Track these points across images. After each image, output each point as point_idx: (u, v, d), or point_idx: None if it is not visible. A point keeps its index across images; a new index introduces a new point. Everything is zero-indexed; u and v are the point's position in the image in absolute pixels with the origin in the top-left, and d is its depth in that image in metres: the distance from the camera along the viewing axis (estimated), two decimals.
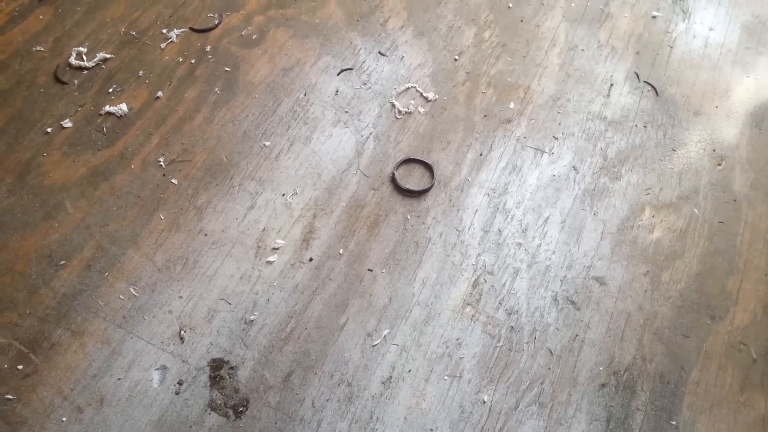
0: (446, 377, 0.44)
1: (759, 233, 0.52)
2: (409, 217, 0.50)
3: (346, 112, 0.56)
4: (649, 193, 0.53)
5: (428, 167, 0.53)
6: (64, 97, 0.55)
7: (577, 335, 0.46)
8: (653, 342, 0.46)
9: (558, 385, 0.44)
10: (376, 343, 0.45)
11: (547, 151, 0.55)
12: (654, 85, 0.59)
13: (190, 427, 0.41)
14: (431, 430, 0.42)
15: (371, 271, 0.48)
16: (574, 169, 0.54)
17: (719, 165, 0.55)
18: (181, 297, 0.46)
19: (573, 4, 0.63)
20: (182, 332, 0.44)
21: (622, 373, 0.45)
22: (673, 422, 0.43)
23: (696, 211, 0.52)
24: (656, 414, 0.43)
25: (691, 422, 0.43)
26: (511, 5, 0.63)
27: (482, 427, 0.42)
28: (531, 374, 0.44)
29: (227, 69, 0.58)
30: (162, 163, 0.52)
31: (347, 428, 0.42)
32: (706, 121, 0.58)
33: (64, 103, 0.55)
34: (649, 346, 0.46)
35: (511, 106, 0.57)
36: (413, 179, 0.53)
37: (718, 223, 0.52)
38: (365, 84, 0.57)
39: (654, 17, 0.64)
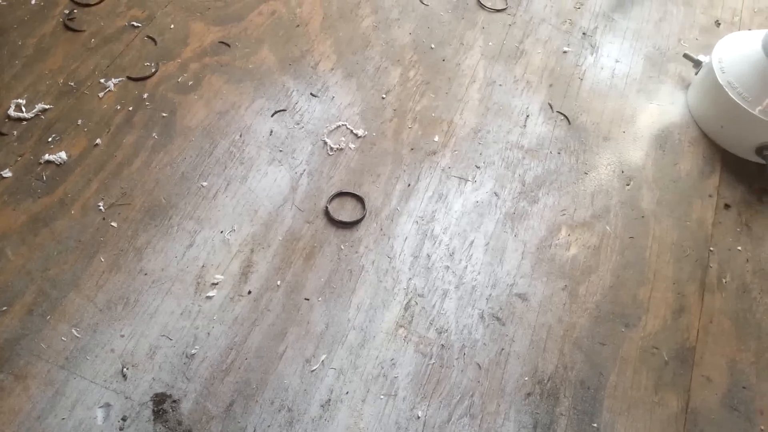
0: (382, 396, 0.47)
1: (666, 246, 0.57)
2: (342, 247, 0.54)
3: (281, 150, 0.60)
4: (564, 214, 0.58)
5: (360, 199, 0.57)
6: (3, 147, 0.57)
7: (503, 349, 0.50)
8: (573, 351, 0.50)
9: (487, 396, 0.48)
10: (314, 368, 0.48)
11: (470, 179, 0.60)
12: (566, 115, 0.65)
13: None
14: None
15: (308, 300, 0.51)
16: (496, 194, 0.59)
17: (627, 185, 0.61)
18: (122, 336, 0.48)
19: (490, 43, 0.69)
20: (125, 370, 0.46)
21: (545, 381, 0.49)
22: (595, 424, 0.47)
23: (608, 228, 0.57)
24: (579, 418, 0.47)
25: (611, 423, 0.47)
26: (433, 46, 0.68)
27: None
28: (462, 388, 0.48)
29: (164, 114, 0.61)
30: (101, 207, 0.54)
31: None
32: (615, 146, 0.64)
33: (4, 153, 0.57)
34: (570, 355, 0.50)
35: (436, 139, 0.62)
36: (346, 211, 0.56)
37: (629, 239, 0.57)
38: (298, 124, 0.61)
39: (565, 52, 0.70)
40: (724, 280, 0.55)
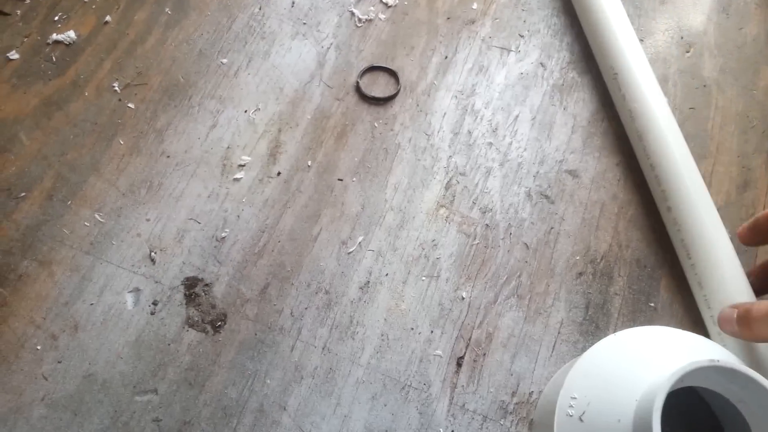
0: (424, 278, 0.41)
1: (730, 116, 0.48)
2: (376, 125, 0.46)
3: (305, 23, 0.50)
4: None
5: (393, 74, 0.48)
6: (7, 28, 0.49)
7: (552, 228, 0.43)
8: (629, 229, 0.43)
9: (535, 276, 0.42)
10: (351, 250, 0.42)
11: (513, 49, 0.50)
12: None
13: (169, 344, 0.38)
14: (411, 328, 0.40)
15: (341, 180, 0.44)
16: (542, 65, 0.50)
17: (687, 52, 0.51)
18: (148, 220, 0.42)
19: None
20: (152, 254, 0.41)
21: (598, 261, 0.42)
22: (651, 304, 0.41)
23: (666, 98, 0.48)
24: (634, 297, 0.41)
25: (669, 303, 0.41)
26: None
27: (462, 322, 0.40)
28: (508, 269, 0.42)
29: None
30: (117, 88, 0.47)
31: (327, 333, 0.39)
32: (673, 9, 0.53)
33: (8, 34, 0.49)
34: (625, 233, 0.43)
35: (475, 6, 0.52)
36: (378, 87, 0.48)
37: (689, 109, 0.48)
38: None
39: None
40: None
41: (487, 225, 0.43)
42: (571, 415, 0.32)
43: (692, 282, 0.40)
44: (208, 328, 0.39)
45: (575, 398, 0.33)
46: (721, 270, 0.38)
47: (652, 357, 0.33)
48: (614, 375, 0.32)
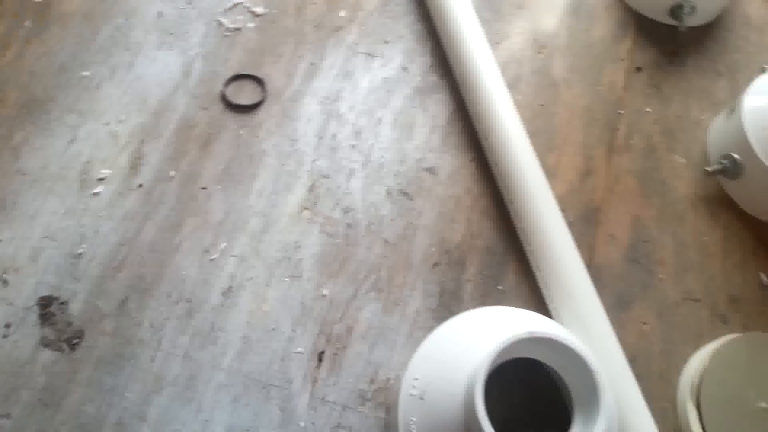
0: (286, 279, 0.42)
1: (576, 111, 0.51)
2: (242, 132, 0.46)
3: (171, 33, 0.50)
4: None
5: (260, 81, 0.49)
6: None
7: (410, 223, 0.45)
8: (481, 220, 0.46)
9: (394, 270, 0.43)
10: (213, 257, 0.42)
11: (378, 55, 0.52)
12: None
13: (22, 367, 0.37)
14: (273, 329, 0.40)
15: (205, 188, 0.44)
16: (405, 69, 0.51)
17: (540, 53, 0.54)
18: (0, 240, 0.40)
19: None
20: (5, 275, 0.39)
21: (453, 251, 0.44)
22: (500, 287, 0.43)
23: (519, 97, 0.51)
24: (485, 282, 0.43)
25: (516, 285, 0.44)
26: None
27: (324, 319, 0.41)
28: (368, 264, 0.43)
29: (38, 0, 0.50)
30: None
31: (188, 341, 0.39)
32: (528, 14, 0.56)
33: None
34: (477, 223, 0.45)
35: (342, 14, 0.53)
36: (245, 95, 0.48)
37: (539, 106, 0.51)
38: (189, 3, 0.51)
39: None
40: (631, 141, 0.51)
41: (348, 224, 0.44)
42: (413, 395, 0.34)
43: (533, 265, 0.43)
44: (64, 346, 0.38)
45: (417, 379, 0.34)
46: (555, 253, 0.41)
47: (487, 335, 0.35)
48: (452, 354, 0.34)
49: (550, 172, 0.48)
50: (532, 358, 0.34)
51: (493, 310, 0.37)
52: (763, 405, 0.41)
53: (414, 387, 0.34)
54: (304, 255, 0.43)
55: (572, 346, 0.32)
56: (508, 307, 0.38)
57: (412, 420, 0.33)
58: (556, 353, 0.34)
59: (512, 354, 0.34)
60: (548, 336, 0.32)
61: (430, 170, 0.47)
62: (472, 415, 0.30)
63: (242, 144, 0.46)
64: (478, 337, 0.35)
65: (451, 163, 0.47)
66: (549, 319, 0.38)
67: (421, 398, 0.33)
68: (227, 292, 0.41)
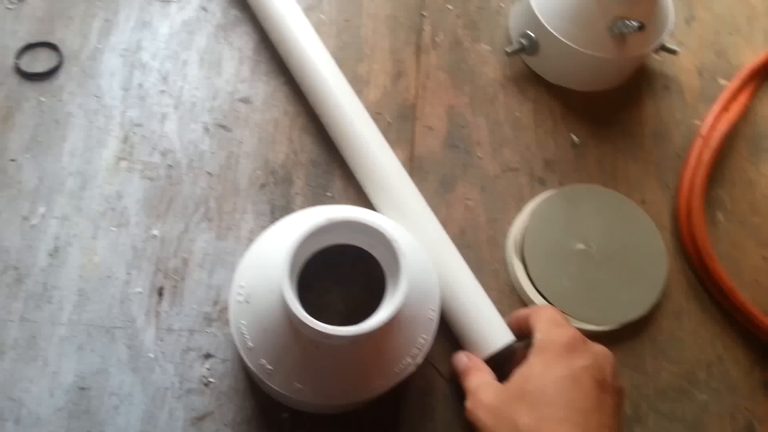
0: (113, 228, 0.47)
1: (380, 20, 0.59)
2: (43, 99, 0.51)
3: None
4: None
5: (53, 47, 0.53)
6: None
7: (232, 152, 0.51)
8: (302, 137, 0.52)
9: (222, 199, 0.49)
10: (34, 222, 0.46)
11: (173, 0, 0.57)
12: None
13: None
14: (108, 276, 0.45)
15: (14, 160, 0.48)
16: (204, 9, 0.57)
17: None
18: None
19: None
20: None
21: (278, 170, 0.51)
22: (329, 194, 0.51)
23: (322, 16, 0.58)
24: (313, 192, 0.50)
25: (344, 189, 0.51)
26: None
27: (158, 257, 0.46)
28: (195, 199, 0.49)
29: None
30: None
31: (22, 305, 0.44)
32: None
33: None
34: (299, 141, 0.52)
35: None
36: (40, 63, 0.52)
37: (344, 21, 0.58)
38: None
39: None
40: (437, 39, 0.59)
41: (169, 165, 0.50)
42: (240, 301, 0.40)
43: (352, 168, 0.50)
44: None
45: (243, 286, 0.41)
46: (367, 152, 0.49)
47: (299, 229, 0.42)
48: (271, 256, 0.41)
49: (363, 81, 0.55)
50: (355, 245, 0.41)
51: (313, 210, 0.44)
52: (581, 246, 0.51)
53: (240, 294, 0.40)
54: (127, 203, 0.48)
55: (367, 222, 0.39)
56: (329, 205, 0.45)
57: (242, 324, 0.39)
58: (366, 236, 0.41)
59: (325, 242, 0.41)
60: (345, 218, 0.39)
61: (244, 100, 0.53)
62: (286, 305, 0.36)
63: (45, 111, 0.50)
64: (292, 233, 0.41)
65: (264, 89, 0.54)
66: (367, 210, 0.46)
67: (247, 302, 0.40)
68: (54, 253, 0.45)
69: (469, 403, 0.42)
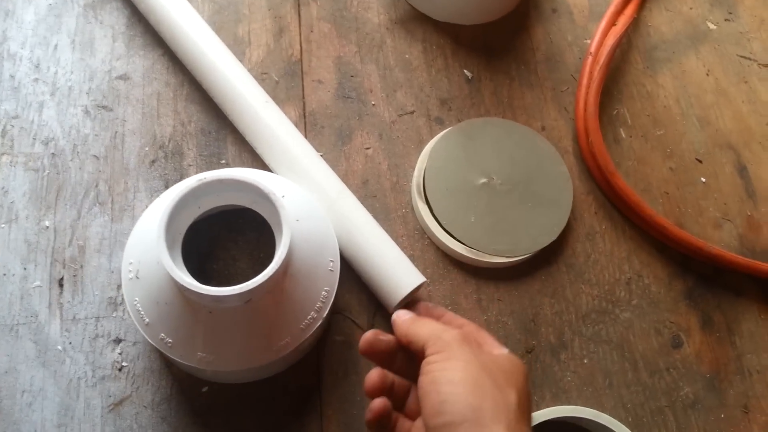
0: (3, 225, 0.46)
1: None
2: None
3: None
4: None
5: None
6: None
7: (116, 132, 0.50)
8: (187, 106, 0.52)
9: (112, 180, 0.48)
10: None
11: None
12: None
13: None
14: (4, 274, 0.45)
15: None
16: None
17: None
18: None
19: None
20: None
21: (167, 144, 0.50)
22: (223, 161, 0.50)
23: None
24: (206, 161, 0.50)
25: (238, 155, 0.50)
26: None
27: (53, 248, 0.46)
28: (84, 184, 0.48)
29: None
30: None
31: None
32: None
33: None
34: (185, 111, 0.51)
35: None
36: None
37: None
38: None
39: None
40: None
41: (53, 154, 0.48)
42: (131, 278, 0.40)
43: (241, 131, 0.49)
44: None
45: (131, 263, 0.40)
46: (250, 112, 0.48)
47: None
48: (150, 229, 0.40)
49: (245, 42, 0.54)
50: (239, 205, 0.41)
51: (194, 177, 0.43)
52: (483, 180, 0.52)
53: (130, 271, 0.40)
54: (14, 197, 0.47)
55: (240, 178, 0.39)
56: (217, 170, 0.45)
57: (136, 300, 0.39)
58: (244, 193, 0.40)
59: (206, 205, 0.41)
60: (217, 177, 0.39)
61: (123, 77, 0.52)
62: (169, 275, 0.36)
63: None
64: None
65: (142, 64, 0.52)
66: (254, 169, 0.45)
67: (137, 278, 0.39)
68: None
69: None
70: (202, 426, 0.44)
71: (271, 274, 0.37)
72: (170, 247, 0.37)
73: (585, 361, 0.48)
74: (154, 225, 0.37)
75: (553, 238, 0.51)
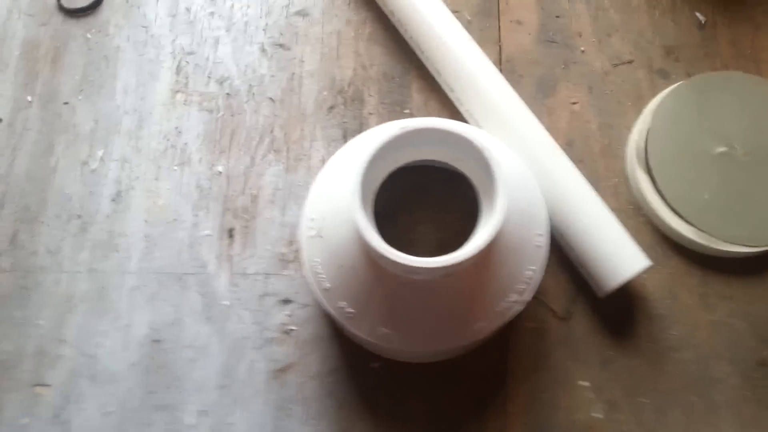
0: (176, 167, 0.43)
1: None
2: (89, 36, 0.46)
3: None
4: None
5: None
6: None
7: (294, 73, 0.45)
8: (369, 48, 0.45)
9: (288, 126, 0.43)
10: (94, 167, 0.43)
11: None
12: None
13: None
14: (175, 219, 0.41)
15: (67, 103, 0.44)
16: None
17: None
18: None
19: None
20: None
21: (347, 89, 0.44)
22: (407, 110, 0.43)
23: None
24: (389, 110, 0.43)
25: (423, 104, 0.43)
26: None
27: (225, 196, 0.42)
28: (259, 129, 0.43)
29: None
30: None
31: (89, 255, 0.41)
32: None
33: None
34: (366, 53, 0.45)
35: None
36: None
37: None
38: None
39: None
40: None
41: (228, 94, 0.44)
42: (312, 237, 0.34)
43: (433, 72, 0.42)
44: None
45: (313, 219, 0.35)
46: (447, 54, 0.40)
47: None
48: (341, 183, 0.34)
49: None
50: (438, 161, 0.34)
51: (386, 125, 0.37)
52: (722, 149, 0.41)
53: (311, 228, 0.35)
54: (188, 139, 0.43)
55: (449, 129, 0.32)
56: (406, 119, 0.38)
57: (316, 261, 0.34)
58: (450, 148, 0.33)
59: (403, 159, 0.34)
60: (422, 126, 0.32)
61: (301, 13, 0.46)
62: (361, 236, 0.30)
63: (93, 48, 0.46)
64: (362, 152, 0.34)
65: None
66: (452, 120, 0.38)
67: (320, 236, 0.34)
68: (117, 198, 0.42)
69: None
70: (369, 407, 0.38)
71: (480, 247, 0.30)
72: (363, 205, 0.31)
73: None
74: (348, 177, 0.31)
75: None
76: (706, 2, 0.47)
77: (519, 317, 0.39)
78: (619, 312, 0.40)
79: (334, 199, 0.34)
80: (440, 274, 0.31)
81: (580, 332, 0.40)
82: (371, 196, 0.33)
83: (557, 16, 0.46)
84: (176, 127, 0.44)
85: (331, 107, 0.44)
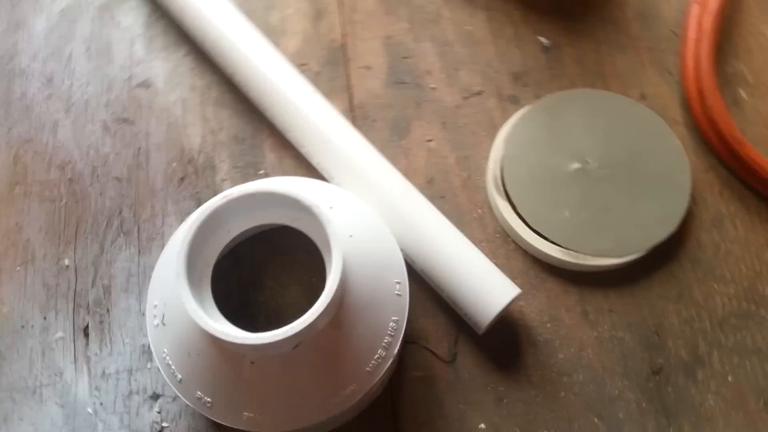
0: (18, 267, 0.39)
1: None
2: None
3: None
4: None
5: None
6: None
7: (139, 148, 0.42)
8: (216, 112, 0.44)
9: (138, 205, 0.41)
10: None
11: None
12: None
13: None
14: (22, 327, 0.38)
15: None
16: None
17: None
18: None
19: None
20: None
21: (197, 157, 0.42)
22: (262, 171, 0.42)
23: None
24: (243, 173, 0.42)
25: (278, 162, 0.42)
26: None
27: (75, 291, 0.39)
28: (106, 212, 0.41)
29: None
30: None
31: None
32: None
33: None
34: (215, 117, 0.43)
35: None
36: None
37: None
38: None
39: None
40: None
41: (70, 179, 0.42)
42: (156, 325, 0.32)
43: (282, 129, 0.41)
44: None
45: (156, 305, 0.32)
46: (296, 108, 0.39)
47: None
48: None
49: (278, 31, 0.46)
50: (278, 224, 0.33)
51: (224, 192, 0.35)
52: (575, 166, 0.41)
53: (155, 316, 0.32)
54: (29, 234, 0.40)
55: (273, 190, 0.30)
56: (250, 183, 0.36)
57: (164, 352, 0.31)
58: (283, 209, 0.32)
59: (238, 229, 0.32)
60: (244, 192, 0.30)
61: (144, 84, 0.44)
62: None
63: None
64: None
65: (164, 67, 0.45)
66: (293, 177, 0.37)
67: (163, 324, 0.32)
68: None
69: None
70: None
71: (321, 309, 0.28)
72: (196, 285, 0.29)
73: (729, 378, 0.37)
74: (173, 259, 0.29)
75: (671, 229, 0.40)
76: (548, 26, 0.48)
77: (404, 368, 0.38)
78: (504, 344, 0.39)
79: (173, 282, 0.32)
80: (287, 345, 0.29)
81: (467, 373, 0.38)
82: (208, 273, 0.31)
83: (405, 57, 0.46)
84: (16, 223, 0.40)
85: (182, 178, 0.42)
